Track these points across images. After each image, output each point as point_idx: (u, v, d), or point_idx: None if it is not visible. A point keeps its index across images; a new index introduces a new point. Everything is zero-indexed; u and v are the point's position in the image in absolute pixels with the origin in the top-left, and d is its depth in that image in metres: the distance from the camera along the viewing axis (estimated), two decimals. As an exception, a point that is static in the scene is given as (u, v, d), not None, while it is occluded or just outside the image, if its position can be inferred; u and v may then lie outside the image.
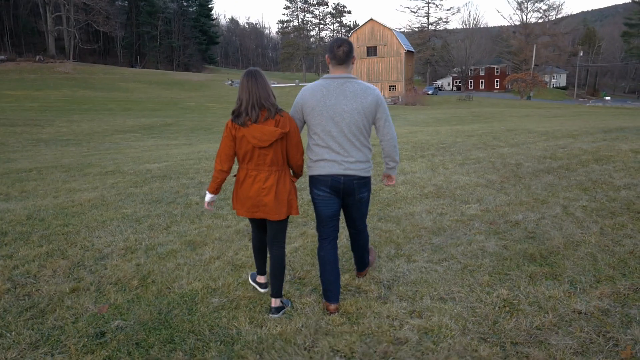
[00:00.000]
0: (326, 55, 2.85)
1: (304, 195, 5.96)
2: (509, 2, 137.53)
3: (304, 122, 2.94)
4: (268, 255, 3.10)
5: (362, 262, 3.32)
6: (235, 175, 2.87)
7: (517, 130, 13.73)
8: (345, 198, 2.92)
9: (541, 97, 67.77)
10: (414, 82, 66.76)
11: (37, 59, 63.69)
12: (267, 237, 2.96)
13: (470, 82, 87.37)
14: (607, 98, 70.28)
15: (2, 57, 61.80)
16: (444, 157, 9.07)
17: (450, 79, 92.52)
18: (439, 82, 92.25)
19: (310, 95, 2.82)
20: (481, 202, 5.30)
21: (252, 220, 3.02)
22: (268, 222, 2.89)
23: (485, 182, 6.39)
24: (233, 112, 2.71)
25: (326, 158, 2.83)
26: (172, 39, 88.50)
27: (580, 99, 69.75)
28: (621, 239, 3.86)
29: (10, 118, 24.89)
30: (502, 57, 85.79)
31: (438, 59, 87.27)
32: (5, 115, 26.17)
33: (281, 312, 2.90)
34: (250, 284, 3.33)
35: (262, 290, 3.20)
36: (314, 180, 2.92)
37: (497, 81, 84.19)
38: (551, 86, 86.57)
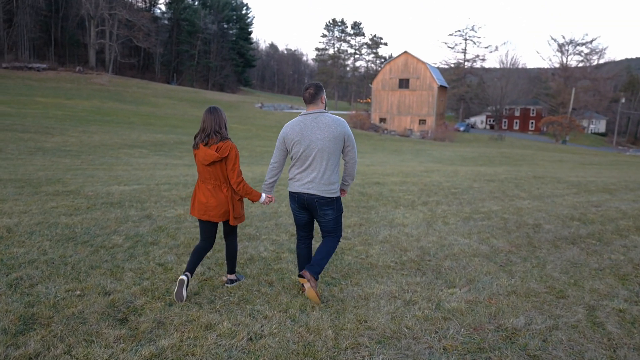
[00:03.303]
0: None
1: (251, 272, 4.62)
2: (549, 44, 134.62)
3: (287, 151, 3.47)
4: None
5: (318, 265, 3.41)
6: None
7: (544, 178, 12.05)
8: (312, 213, 3.47)
9: (578, 142, 64.66)
10: (446, 118, 64.92)
11: (77, 69, 65.22)
12: (223, 232, 3.72)
13: (505, 122, 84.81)
14: (650, 148, 66.57)
15: (44, 65, 63.47)
16: (450, 206, 7.58)
17: (484, 117, 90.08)
18: (472, 120, 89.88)
19: (290, 130, 3.38)
20: (472, 285, 3.80)
21: (202, 227, 3.61)
22: (222, 223, 3.64)
23: (488, 250, 4.88)
24: (194, 138, 3.48)
25: (297, 178, 3.41)
26: (209, 59, 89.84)
27: (620, 147, 66.31)
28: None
29: (26, 124, 24.65)
30: (539, 98, 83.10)
31: (472, 96, 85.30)
32: (23, 122, 26.01)
33: (234, 283, 3.71)
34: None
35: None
36: (289, 196, 3.53)
37: (532, 122, 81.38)
38: (589, 131, 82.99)
